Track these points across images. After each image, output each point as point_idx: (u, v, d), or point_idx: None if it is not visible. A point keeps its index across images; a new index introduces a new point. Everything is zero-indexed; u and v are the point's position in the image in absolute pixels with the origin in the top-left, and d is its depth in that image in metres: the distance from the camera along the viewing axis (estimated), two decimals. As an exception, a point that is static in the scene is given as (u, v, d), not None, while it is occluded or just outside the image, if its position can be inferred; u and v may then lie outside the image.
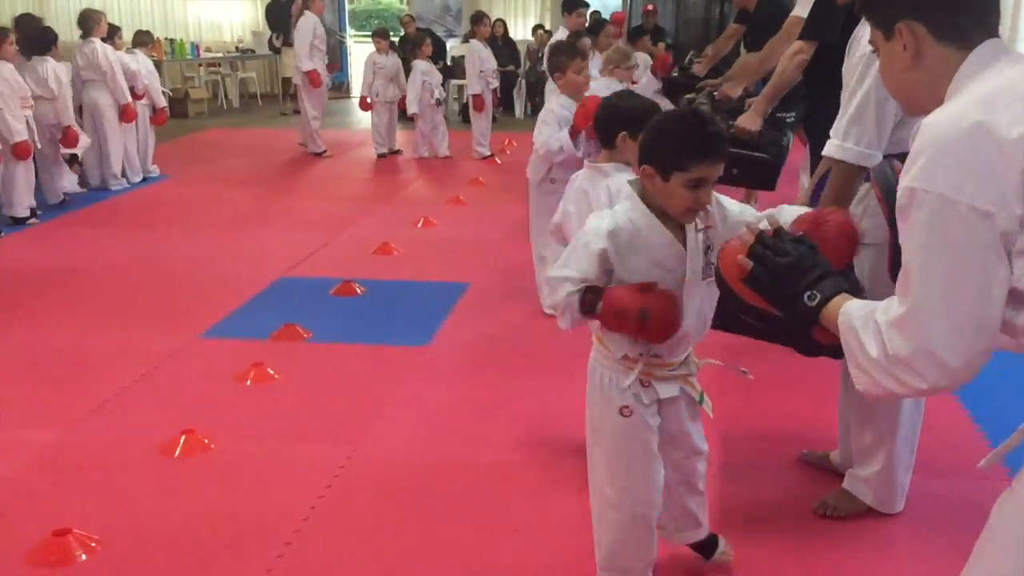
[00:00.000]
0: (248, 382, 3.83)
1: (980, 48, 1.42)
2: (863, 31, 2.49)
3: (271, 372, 3.90)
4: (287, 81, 13.33)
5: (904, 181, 1.36)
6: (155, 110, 8.28)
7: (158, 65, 11.81)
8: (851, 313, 1.48)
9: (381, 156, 9.35)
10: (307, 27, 9.11)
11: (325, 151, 9.41)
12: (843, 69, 2.63)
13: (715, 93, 5.58)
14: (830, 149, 2.54)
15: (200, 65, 13.58)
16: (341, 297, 4.97)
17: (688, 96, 6.51)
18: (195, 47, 13.37)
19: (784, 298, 1.59)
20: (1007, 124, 1.29)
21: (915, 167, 1.34)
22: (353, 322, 4.62)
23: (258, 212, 7.06)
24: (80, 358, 4.11)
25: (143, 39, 8.54)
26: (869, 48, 2.44)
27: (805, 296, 1.56)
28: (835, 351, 1.64)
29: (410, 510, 2.88)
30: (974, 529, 2.72)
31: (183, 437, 3.26)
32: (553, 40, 7.92)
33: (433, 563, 2.62)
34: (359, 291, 5.03)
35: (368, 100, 9.37)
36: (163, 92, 8.84)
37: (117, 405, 3.64)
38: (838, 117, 2.56)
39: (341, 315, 4.72)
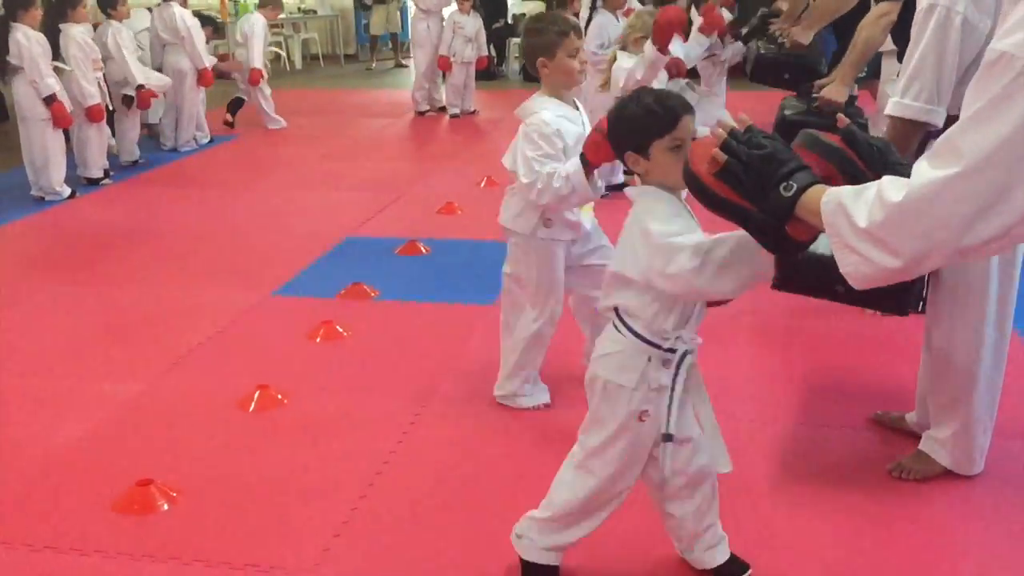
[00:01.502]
0: (318, 339, 3.89)
1: None
2: None
3: (340, 330, 3.96)
4: (375, 39, 13.52)
5: (1003, 44, 1.27)
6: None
7: (222, 26, 11.95)
8: (840, 192, 1.45)
9: (454, 116, 9.26)
10: None
11: (427, 111, 9.38)
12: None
13: (783, 40, 5.36)
14: (891, 107, 2.46)
15: (264, 27, 13.66)
16: (407, 256, 5.01)
17: (757, 42, 6.27)
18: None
19: (759, 190, 1.56)
20: None
21: (1022, 31, 1.24)
22: (419, 281, 4.66)
23: (324, 172, 7.13)
24: (157, 315, 4.22)
25: None
26: (924, 5, 2.37)
27: (781, 187, 1.54)
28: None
29: (480, 466, 2.92)
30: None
31: (257, 392, 3.33)
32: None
33: (506, 519, 2.64)
34: (424, 250, 5.06)
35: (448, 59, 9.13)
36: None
37: (194, 361, 3.73)
38: (900, 73, 2.48)
39: (407, 274, 4.76)
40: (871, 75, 5.43)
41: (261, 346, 3.88)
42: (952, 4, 2.31)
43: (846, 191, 1.45)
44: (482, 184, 6.54)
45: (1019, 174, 1.26)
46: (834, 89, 3.89)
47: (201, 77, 7.81)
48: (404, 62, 13.54)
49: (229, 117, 8.69)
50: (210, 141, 8.17)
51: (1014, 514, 2.59)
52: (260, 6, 8.92)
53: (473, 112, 9.37)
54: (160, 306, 4.33)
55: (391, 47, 13.87)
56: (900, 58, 3.36)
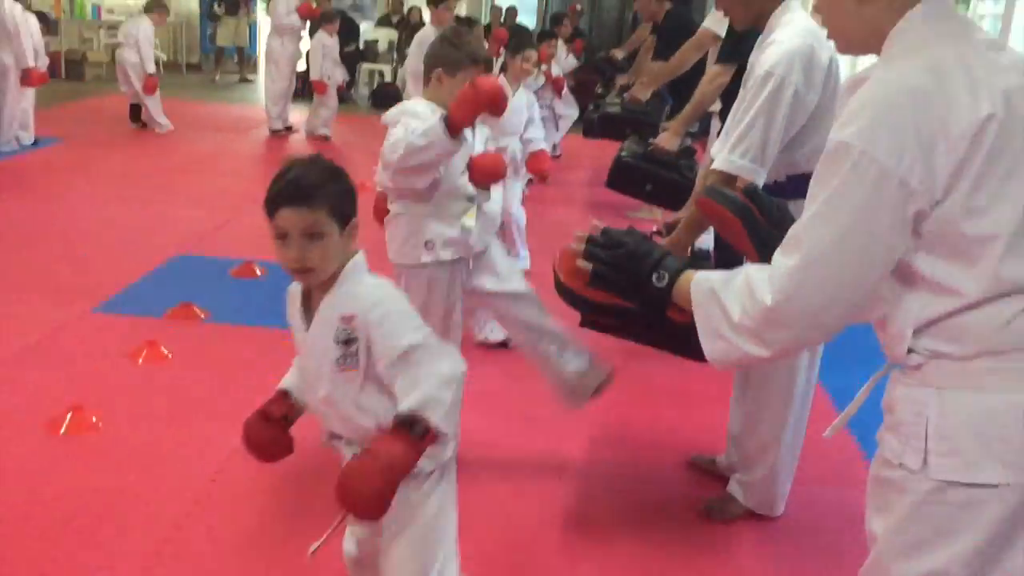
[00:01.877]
0: (140, 360, 3.73)
1: (928, 3, 1.37)
2: (758, 56, 2.59)
3: (164, 351, 3.81)
4: (221, 51, 13.23)
5: (840, 135, 1.33)
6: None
7: (55, 23, 11.36)
8: (710, 278, 1.50)
9: (325, 138, 9.05)
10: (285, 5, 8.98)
11: (280, 129, 9.20)
12: (740, 91, 2.71)
13: (624, 95, 5.72)
14: (719, 162, 2.62)
15: (100, 27, 13.06)
16: (241, 278, 4.88)
17: (598, 93, 6.65)
18: (96, 8, 12.87)
19: (633, 286, 1.61)
20: (964, 107, 1.28)
21: (856, 124, 1.32)
22: (252, 304, 4.55)
23: (158, 184, 6.86)
24: (-40, 326, 3.94)
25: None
26: (760, 73, 2.56)
27: (653, 278, 1.58)
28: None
29: (301, 496, 2.87)
30: (845, 533, 2.87)
31: (70, 414, 3.16)
32: (422, 36, 7.37)
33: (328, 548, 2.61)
34: (259, 272, 4.95)
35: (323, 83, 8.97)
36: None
37: (1, 377, 3.50)
38: (725, 133, 2.64)
39: (240, 296, 4.64)
40: (701, 131, 5.82)
41: (77, 365, 3.68)
42: (787, 75, 2.49)
43: (715, 277, 1.49)
44: (324, 208, 6.47)
45: (866, 259, 1.33)
46: (666, 137, 4.19)
47: (25, 76, 7.39)
48: (250, 77, 13.26)
49: (134, 125, 8.84)
50: (35, 143, 7.72)
51: (808, 554, 2.78)
52: (146, 11, 8.88)
53: (326, 137, 9.28)
54: (-35, 317, 4.05)
55: (237, 61, 13.57)
56: (723, 116, 3.62)
